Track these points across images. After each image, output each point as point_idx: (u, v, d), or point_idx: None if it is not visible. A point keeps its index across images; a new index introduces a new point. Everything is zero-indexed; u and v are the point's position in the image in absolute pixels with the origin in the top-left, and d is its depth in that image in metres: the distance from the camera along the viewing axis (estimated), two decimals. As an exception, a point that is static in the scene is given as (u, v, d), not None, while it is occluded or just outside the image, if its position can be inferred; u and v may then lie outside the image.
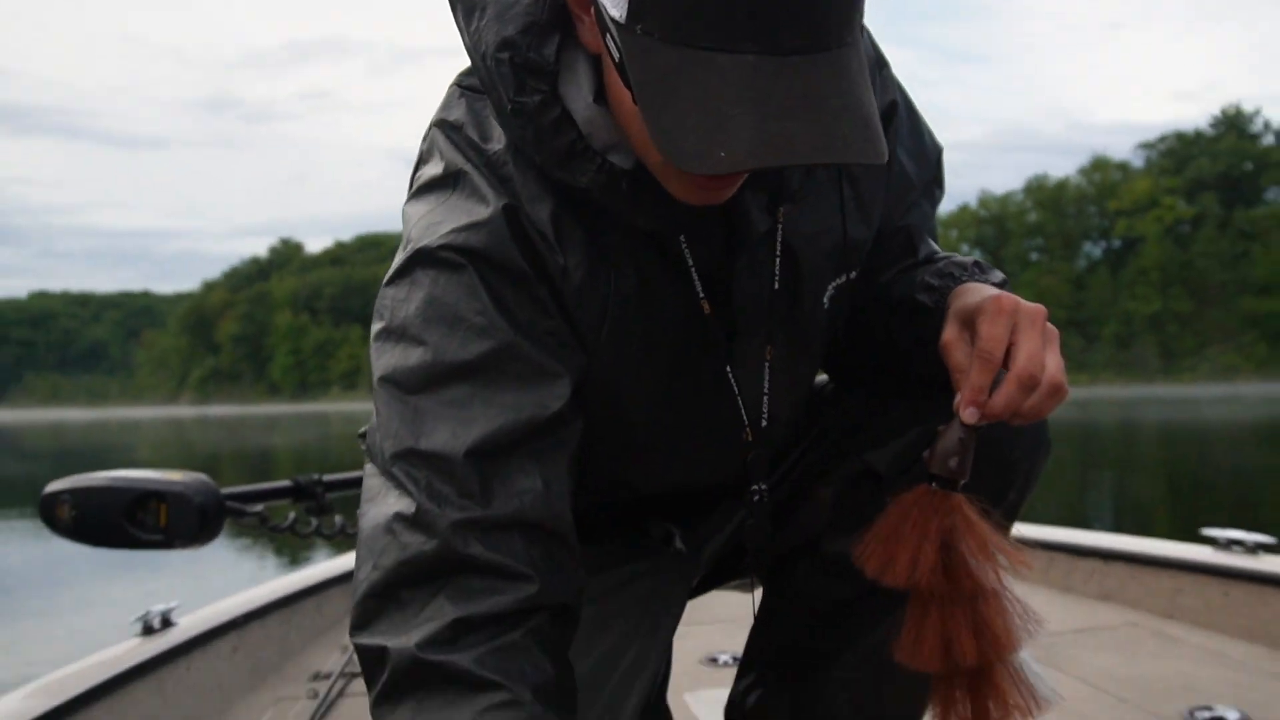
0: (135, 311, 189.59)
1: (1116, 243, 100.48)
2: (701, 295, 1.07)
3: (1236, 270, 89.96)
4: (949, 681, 1.03)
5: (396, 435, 0.96)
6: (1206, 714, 2.00)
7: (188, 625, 2.42)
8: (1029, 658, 1.05)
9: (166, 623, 2.40)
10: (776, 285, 1.10)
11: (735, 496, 1.26)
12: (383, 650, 0.90)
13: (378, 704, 0.91)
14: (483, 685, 0.88)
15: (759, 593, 1.44)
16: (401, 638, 0.90)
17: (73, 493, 2.17)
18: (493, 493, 0.93)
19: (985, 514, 1.00)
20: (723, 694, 1.50)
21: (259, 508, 2.31)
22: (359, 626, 0.93)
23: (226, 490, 2.25)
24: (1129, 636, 2.64)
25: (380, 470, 0.97)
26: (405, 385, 0.97)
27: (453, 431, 0.94)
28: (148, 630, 2.36)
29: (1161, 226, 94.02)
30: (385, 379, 0.99)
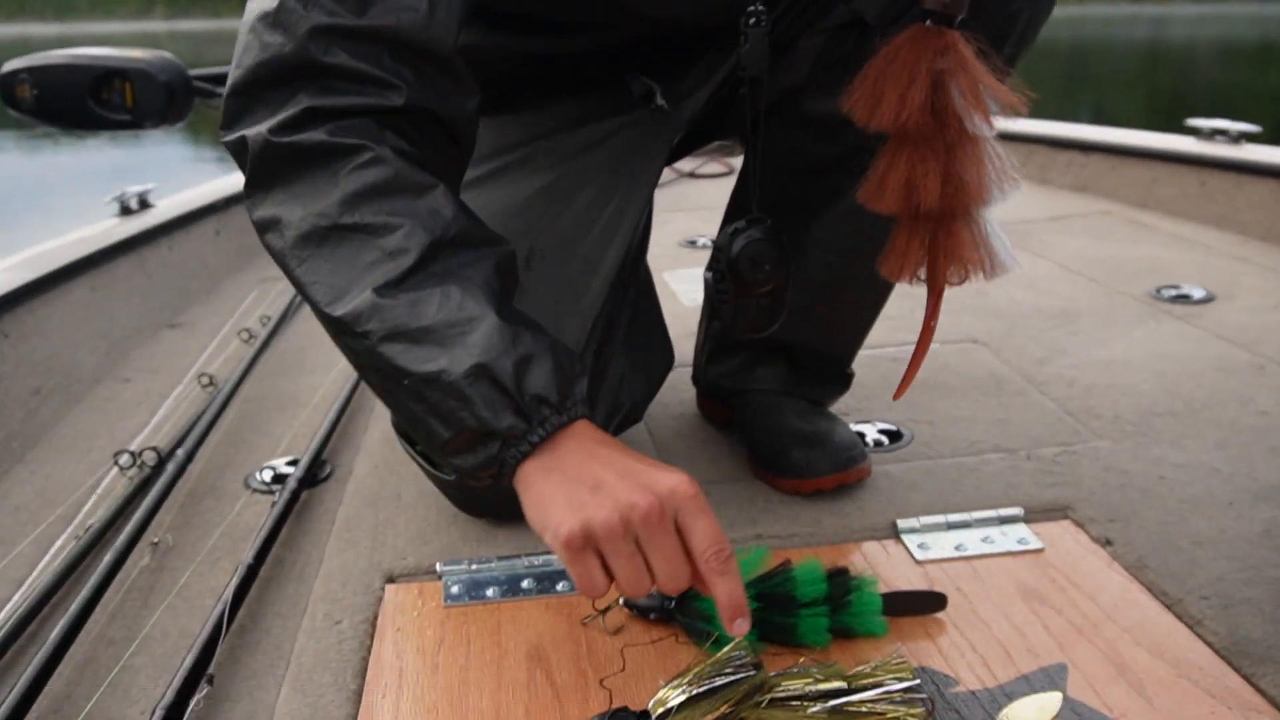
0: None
1: None
2: None
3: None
4: (909, 229, 1.01)
5: None
6: (1173, 291, 2.05)
7: (166, 207, 2.41)
8: (997, 224, 1.02)
9: (145, 204, 2.38)
10: None
11: (720, 49, 1.21)
12: (243, 140, 0.89)
13: (248, 195, 0.91)
14: (344, 150, 0.87)
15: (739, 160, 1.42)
16: (259, 126, 0.88)
17: (31, 71, 2.10)
18: (370, 1, 0.88)
19: (981, 54, 0.95)
20: (699, 272, 1.52)
21: (229, 87, 2.24)
22: (225, 125, 0.91)
23: (195, 71, 2.17)
24: (1102, 224, 2.66)
25: None
26: None
27: None
28: (125, 211, 2.34)
29: None
30: None
